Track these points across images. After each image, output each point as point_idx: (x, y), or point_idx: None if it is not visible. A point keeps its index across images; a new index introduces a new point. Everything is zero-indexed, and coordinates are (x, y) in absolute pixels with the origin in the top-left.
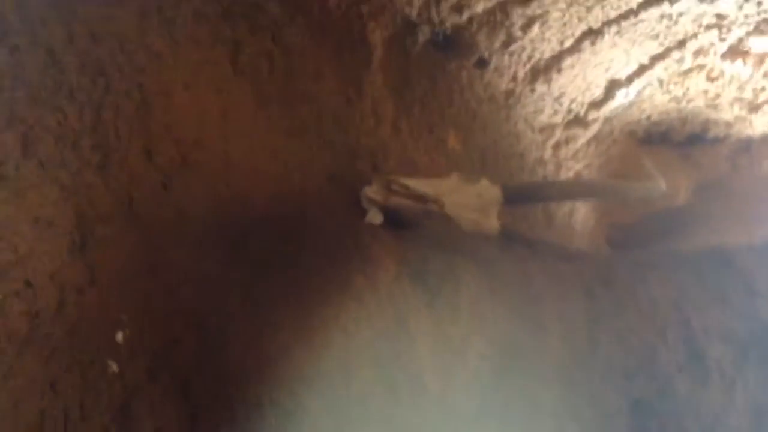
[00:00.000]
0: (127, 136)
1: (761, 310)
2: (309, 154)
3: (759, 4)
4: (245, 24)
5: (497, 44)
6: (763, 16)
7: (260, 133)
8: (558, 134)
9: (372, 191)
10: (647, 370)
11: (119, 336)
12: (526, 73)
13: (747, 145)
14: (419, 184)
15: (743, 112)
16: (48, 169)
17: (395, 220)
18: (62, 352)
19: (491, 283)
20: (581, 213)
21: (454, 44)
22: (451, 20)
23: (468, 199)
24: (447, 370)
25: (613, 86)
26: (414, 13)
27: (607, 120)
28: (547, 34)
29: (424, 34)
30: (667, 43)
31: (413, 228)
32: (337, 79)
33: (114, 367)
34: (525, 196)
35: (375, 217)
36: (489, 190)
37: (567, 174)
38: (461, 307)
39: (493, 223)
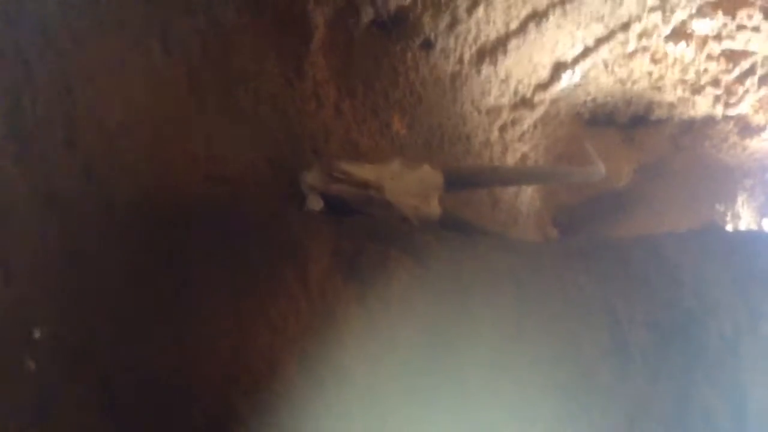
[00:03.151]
0: (48, 124)
1: (685, 299)
2: (246, 138)
3: None
4: (177, 3)
5: (442, 26)
6: None
7: (192, 116)
8: (504, 116)
9: (312, 177)
10: (572, 356)
11: (37, 333)
12: (472, 55)
13: (689, 126)
14: (360, 170)
15: (686, 94)
16: None
17: (335, 207)
18: None
19: (423, 274)
20: (527, 194)
21: (398, 25)
22: (395, 1)
23: (409, 185)
24: (374, 360)
25: (558, 68)
26: None
27: (554, 102)
28: (493, 16)
29: (367, 15)
30: (611, 26)
31: (353, 214)
32: (276, 59)
33: (31, 365)
34: (467, 181)
35: (314, 204)
36: (430, 175)
37: (514, 156)
38: (392, 298)
39: (434, 209)
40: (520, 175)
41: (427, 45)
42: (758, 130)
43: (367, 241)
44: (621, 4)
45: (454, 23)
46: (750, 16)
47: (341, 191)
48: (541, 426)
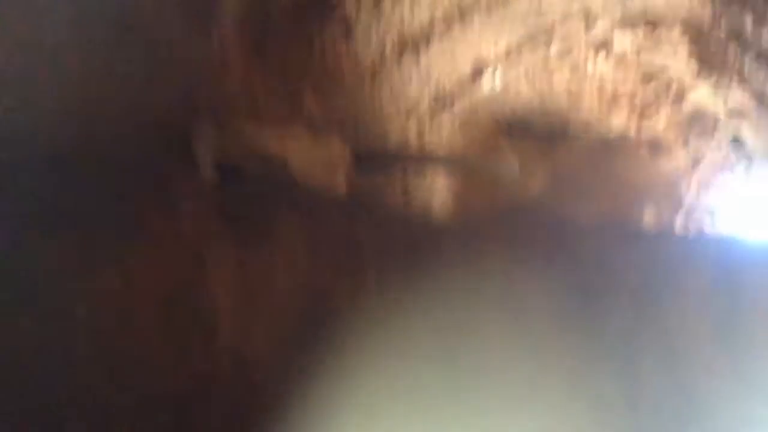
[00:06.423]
0: None
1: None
2: (137, 97)
3: None
4: None
5: (365, 12)
6: (629, 11)
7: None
8: (422, 112)
9: (208, 144)
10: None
11: None
12: (393, 46)
13: (604, 144)
14: (263, 138)
15: (602, 111)
16: None
17: (233, 176)
18: None
19: (310, 234)
20: (439, 187)
21: (319, 3)
22: None
23: (315, 157)
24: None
25: (479, 69)
26: None
27: (473, 105)
28: (417, 8)
29: None
30: (534, 30)
31: (251, 185)
32: (181, 19)
33: None
34: (377, 161)
35: (208, 172)
36: (338, 149)
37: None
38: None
39: (339, 184)
40: (434, 161)
41: (347, 30)
42: (668, 150)
43: (256, 199)
44: (545, 10)
45: (377, 11)
46: (669, 33)
47: (240, 159)
48: None
